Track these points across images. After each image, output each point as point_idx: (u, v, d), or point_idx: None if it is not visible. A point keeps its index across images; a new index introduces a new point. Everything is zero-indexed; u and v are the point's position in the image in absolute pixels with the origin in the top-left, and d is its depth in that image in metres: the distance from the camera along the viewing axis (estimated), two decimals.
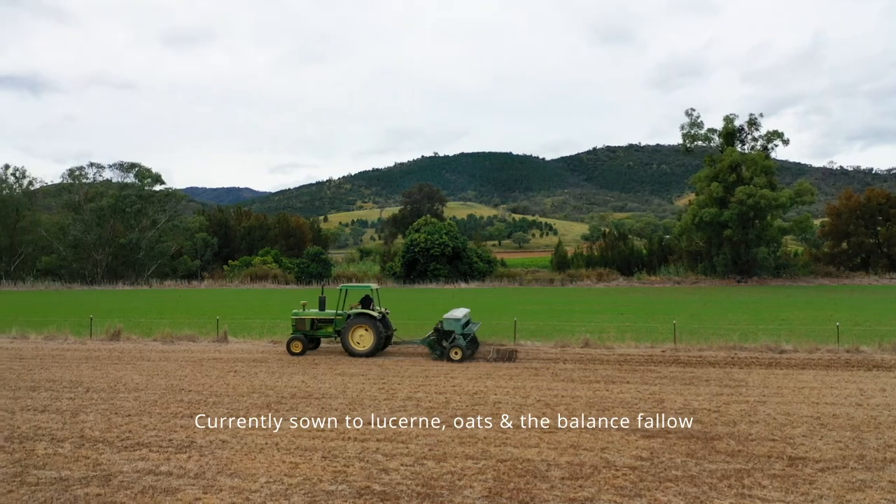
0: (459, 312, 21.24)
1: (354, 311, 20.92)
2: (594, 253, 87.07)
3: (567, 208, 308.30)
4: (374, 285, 22.61)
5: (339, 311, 21.40)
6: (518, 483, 8.98)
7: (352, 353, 20.50)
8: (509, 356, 20.09)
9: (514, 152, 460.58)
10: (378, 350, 20.63)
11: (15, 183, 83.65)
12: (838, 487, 8.80)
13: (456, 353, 19.74)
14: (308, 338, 21.46)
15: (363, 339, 20.52)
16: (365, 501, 8.38)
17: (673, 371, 17.76)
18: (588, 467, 9.63)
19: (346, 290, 21.96)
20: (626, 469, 9.55)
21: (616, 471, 9.48)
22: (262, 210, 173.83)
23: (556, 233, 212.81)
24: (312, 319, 21.62)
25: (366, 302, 21.44)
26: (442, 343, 20.11)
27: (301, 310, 21.98)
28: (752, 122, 72.13)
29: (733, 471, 9.47)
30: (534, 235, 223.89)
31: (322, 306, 21.93)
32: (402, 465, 9.78)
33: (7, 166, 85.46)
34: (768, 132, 71.85)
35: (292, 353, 20.93)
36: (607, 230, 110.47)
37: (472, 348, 20.63)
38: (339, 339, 21.17)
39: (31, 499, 8.53)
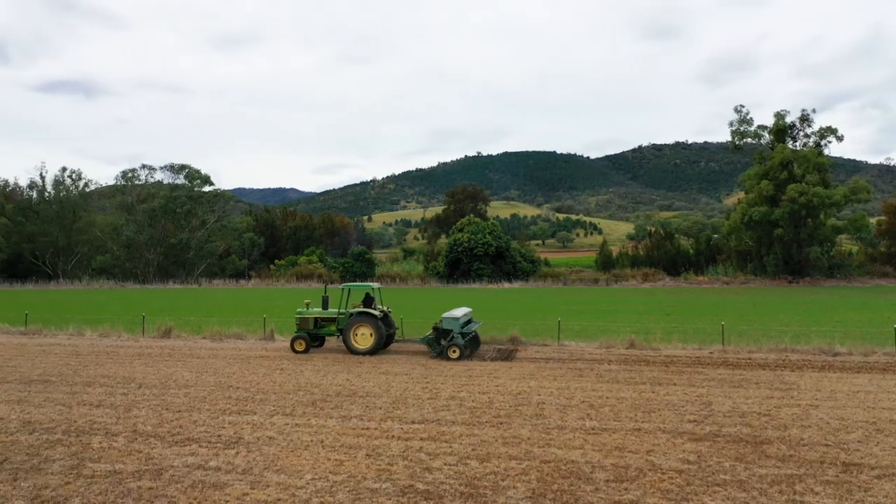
0: (459, 312, 21.34)
1: (356, 309, 21.18)
2: (640, 253, 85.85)
3: (612, 207, 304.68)
4: (375, 285, 22.99)
5: (342, 310, 21.68)
6: (562, 484, 8.92)
7: (353, 351, 20.75)
8: (508, 356, 20.15)
9: (558, 151, 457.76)
10: (379, 348, 20.83)
11: (72, 185, 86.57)
12: (895, 495, 8.51)
13: (454, 352, 19.81)
14: (312, 336, 21.79)
15: (364, 337, 20.75)
16: (408, 500, 8.43)
17: (721, 373, 17.41)
18: (633, 470, 9.51)
19: (349, 290, 22.31)
20: (672, 472, 9.40)
21: (662, 474, 9.34)
22: (308, 210, 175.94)
23: (600, 232, 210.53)
24: (316, 318, 21.96)
25: (367, 301, 21.70)
26: (440, 341, 20.19)
27: (305, 308, 22.32)
28: (805, 119, 70.18)
29: (784, 476, 9.24)
30: (578, 235, 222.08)
31: (325, 305, 22.26)
32: (445, 464, 9.80)
33: (64, 169, 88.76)
34: (821, 128, 69.87)
35: (296, 352, 21.26)
36: (653, 229, 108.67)
37: (471, 347, 20.68)
38: (341, 336, 21.45)
39: (87, 491, 8.83)
